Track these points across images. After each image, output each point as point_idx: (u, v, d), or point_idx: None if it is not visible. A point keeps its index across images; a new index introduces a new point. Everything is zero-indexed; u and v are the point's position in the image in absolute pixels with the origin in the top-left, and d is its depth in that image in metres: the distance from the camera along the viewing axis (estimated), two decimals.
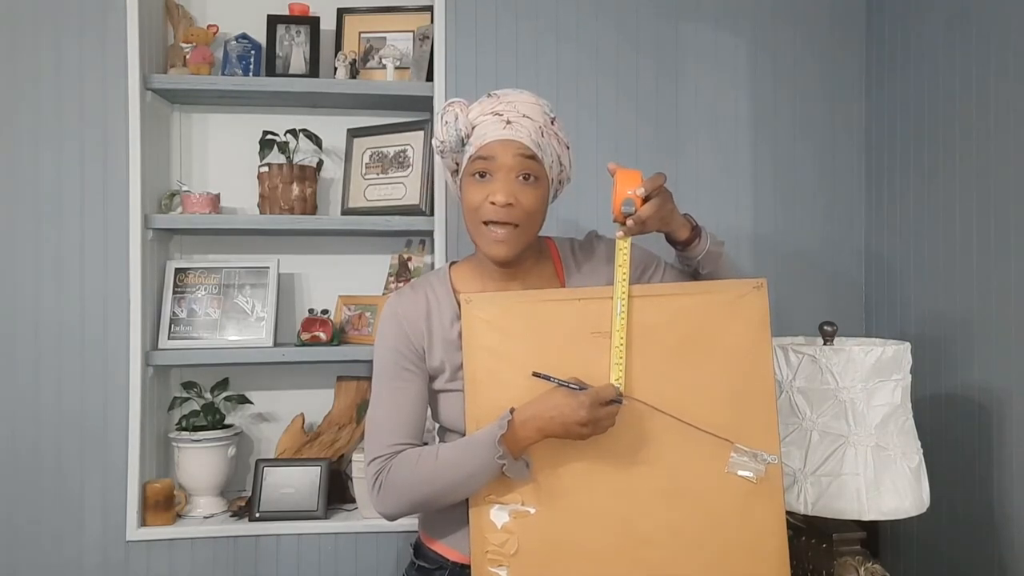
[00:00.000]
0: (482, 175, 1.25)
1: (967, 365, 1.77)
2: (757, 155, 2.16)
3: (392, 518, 1.28)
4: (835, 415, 1.50)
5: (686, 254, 1.34)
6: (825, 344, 1.60)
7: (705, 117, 2.14)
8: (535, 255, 1.37)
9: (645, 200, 1.22)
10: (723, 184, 2.14)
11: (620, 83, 2.11)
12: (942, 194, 1.85)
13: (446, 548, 1.33)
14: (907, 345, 1.55)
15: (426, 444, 1.30)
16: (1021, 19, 1.61)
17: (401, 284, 2.07)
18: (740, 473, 1.23)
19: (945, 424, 1.82)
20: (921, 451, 1.56)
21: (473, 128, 1.27)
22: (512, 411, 1.20)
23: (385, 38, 2.15)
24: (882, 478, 1.48)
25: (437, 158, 1.44)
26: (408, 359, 1.31)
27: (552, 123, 1.30)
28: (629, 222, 1.22)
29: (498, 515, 1.24)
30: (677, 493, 1.24)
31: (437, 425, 1.39)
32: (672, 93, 2.13)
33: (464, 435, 1.27)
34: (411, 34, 2.14)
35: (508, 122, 1.25)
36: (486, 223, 1.25)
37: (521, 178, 1.25)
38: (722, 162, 2.14)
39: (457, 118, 1.27)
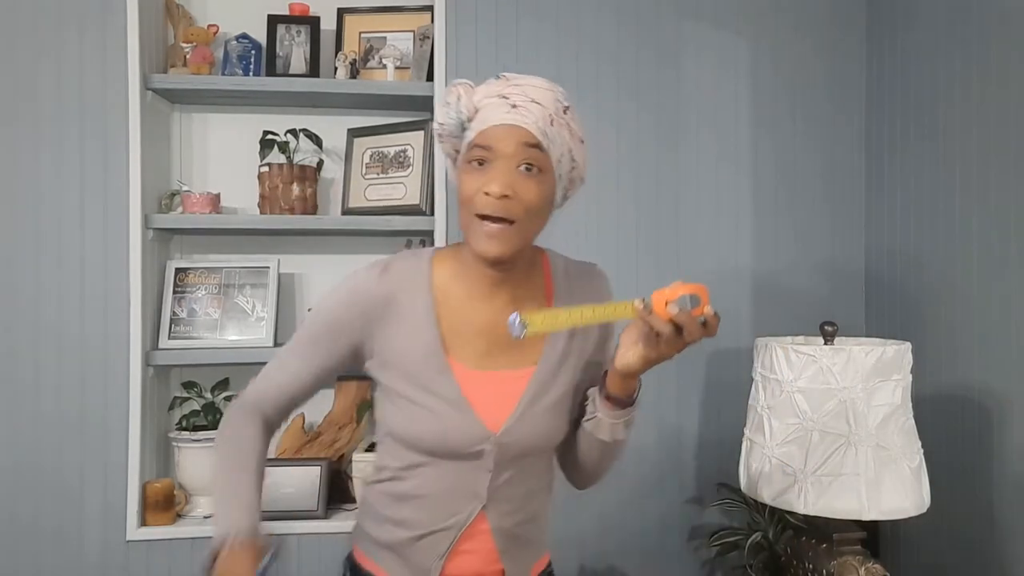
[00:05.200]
0: (480, 163, 1.10)
1: (967, 365, 1.77)
2: (757, 154, 2.16)
3: None
4: (835, 415, 1.50)
5: (608, 411, 1.13)
6: (825, 344, 1.60)
7: (706, 114, 2.14)
8: (528, 265, 1.21)
9: (703, 325, 1.02)
10: (723, 183, 2.14)
11: (621, 83, 2.11)
12: (943, 194, 1.85)
13: (378, 568, 1.22)
14: (907, 345, 1.55)
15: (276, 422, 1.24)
16: (1021, 17, 1.61)
17: None
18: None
19: (945, 424, 1.82)
20: (921, 451, 1.56)
21: (477, 111, 1.15)
22: (230, 543, 1.07)
23: (385, 38, 2.15)
24: (882, 478, 1.48)
25: (438, 151, 1.32)
26: (338, 337, 1.20)
27: (565, 112, 1.16)
28: (673, 309, 1.00)
29: None
30: None
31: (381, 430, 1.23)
32: (673, 92, 2.13)
33: (410, 447, 1.16)
34: (411, 34, 2.14)
35: (514, 106, 1.12)
36: (480, 217, 1.09)
37: (523, 168, 1.10)
38: (722, 160, 2.14)
39: (460, 99, 1.15)
